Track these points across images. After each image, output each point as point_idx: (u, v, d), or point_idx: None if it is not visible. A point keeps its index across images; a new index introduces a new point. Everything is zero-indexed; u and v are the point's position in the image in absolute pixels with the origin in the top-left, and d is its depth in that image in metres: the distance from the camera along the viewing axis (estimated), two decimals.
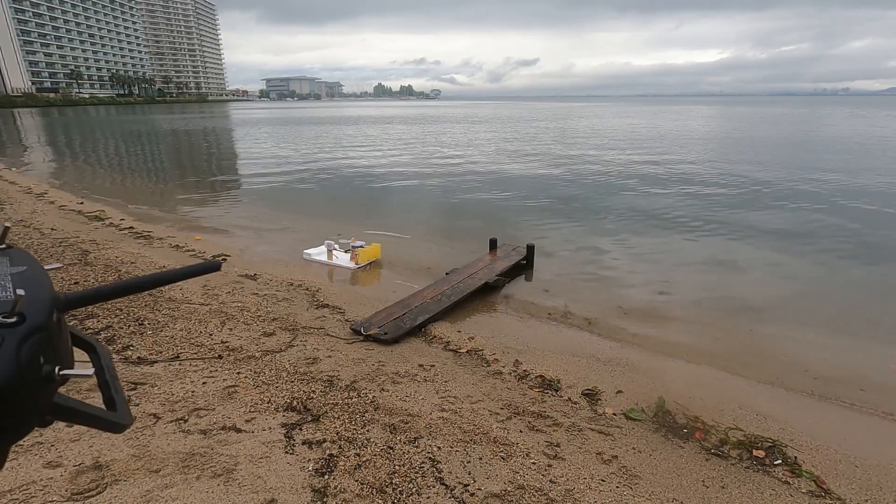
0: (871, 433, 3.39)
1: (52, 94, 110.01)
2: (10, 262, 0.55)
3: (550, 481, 2.57)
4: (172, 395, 3.18)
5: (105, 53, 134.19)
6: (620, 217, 9.97)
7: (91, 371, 0.55)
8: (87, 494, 2.29)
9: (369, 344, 4.22)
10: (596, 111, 77.89)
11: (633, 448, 2.93)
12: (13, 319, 0.45)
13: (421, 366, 3.85)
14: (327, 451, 2.69)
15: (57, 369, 0.47)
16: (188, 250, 7.10)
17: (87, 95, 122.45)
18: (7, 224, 0.63)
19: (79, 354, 0.58)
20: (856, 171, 15.62)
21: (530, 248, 6.80)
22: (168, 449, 2.64)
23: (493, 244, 7.05)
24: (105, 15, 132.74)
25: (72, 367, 0.51)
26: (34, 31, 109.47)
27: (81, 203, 10.35)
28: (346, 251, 6.82)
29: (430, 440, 2.85)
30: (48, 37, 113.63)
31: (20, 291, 0.49)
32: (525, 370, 3.89)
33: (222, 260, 6.55)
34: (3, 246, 0.58)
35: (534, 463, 2.71)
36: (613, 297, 5.86)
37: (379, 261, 6.92)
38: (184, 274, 0.65)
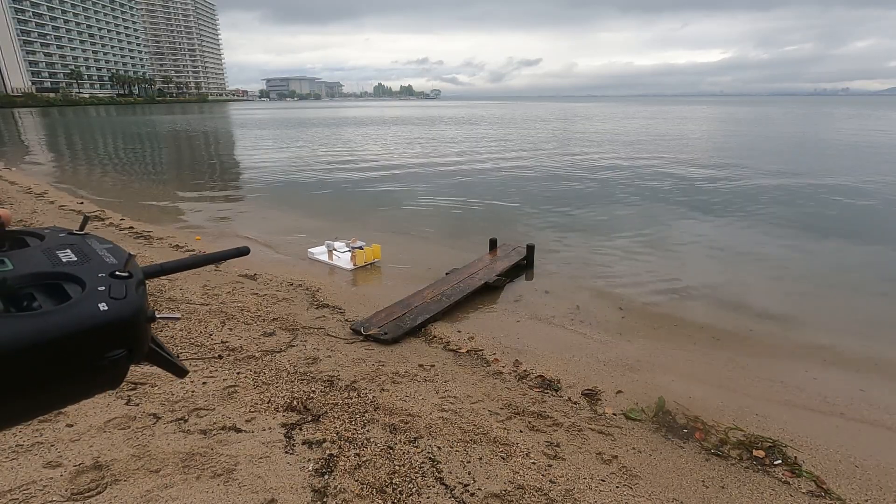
0: (871, 433, 3.38)
1: (52, 94, 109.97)
2: (98, 241, 0.66)
3: (550, 481, 2.57)
4: (172, 395, 3.18)
5: (105, 53, 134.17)
6: (621, 218, 9.97)
7: (178, 315, 0.69)
8: (87, 494, 2.29)
9: (369, 344, 4.22)
10: (600, 112, 77.65)
11: (633, 448, 2.93)
12: (126, 274, 0.56)
13: (421, 366, 3.85)
14: (327, 451, 2.69)
15: (155, 312, 0.59)
16: (188, 250, 7.10)
17: (87, 95, 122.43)
18: (87, 214, 0.75)
19: None
20: (863, 170, 15.61)
21: (530, 248, 6.80)
22: (168, 449, 2.64)
23: (493, 244, 7.05)
24: (105, 15, 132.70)
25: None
26: (34, 31, 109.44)
27: (81, 203, 10.35)
28: (347, 251, 6.82)
29: (430, 440, 2.85)
30: (48, 37, 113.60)
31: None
32: (525, 370, 3.89)
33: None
34: (85, 232, 0.69)
35: (534, 463, 2.71)
36: (613, 297, 5.86)
37: (379, 261, 6.91)
38: (217, 258, 0.78)
